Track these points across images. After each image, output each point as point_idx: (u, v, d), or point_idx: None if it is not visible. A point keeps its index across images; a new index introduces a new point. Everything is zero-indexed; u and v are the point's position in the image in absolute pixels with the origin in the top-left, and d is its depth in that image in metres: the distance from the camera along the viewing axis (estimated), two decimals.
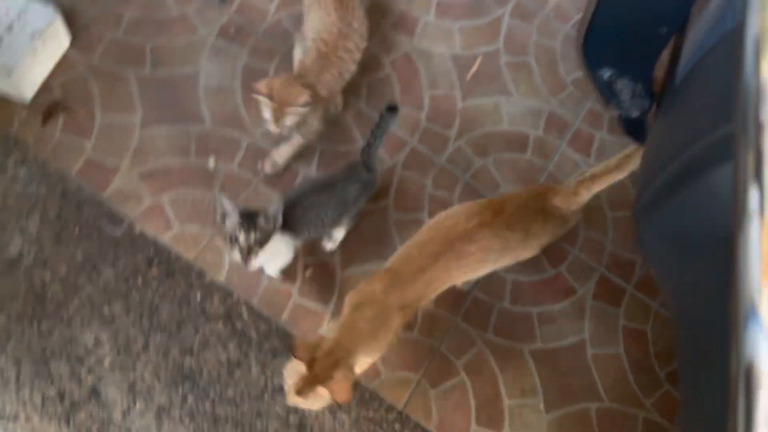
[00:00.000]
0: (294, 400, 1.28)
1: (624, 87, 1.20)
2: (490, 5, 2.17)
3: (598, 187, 1.47)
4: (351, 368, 1.31)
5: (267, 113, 1.60)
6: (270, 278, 1.74)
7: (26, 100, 1.79)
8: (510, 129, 2.03)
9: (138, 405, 1.58)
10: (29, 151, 1.76)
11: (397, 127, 1.96)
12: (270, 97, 1.56)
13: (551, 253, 1.89)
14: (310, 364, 1.26)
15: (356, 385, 1.70)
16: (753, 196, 0.60)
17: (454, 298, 1.79)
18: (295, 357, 1.27)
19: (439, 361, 1.76)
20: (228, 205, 1.41)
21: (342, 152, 1.89)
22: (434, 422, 1.71)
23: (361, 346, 1.33)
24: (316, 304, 1.76)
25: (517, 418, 1.74)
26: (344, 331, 1.34)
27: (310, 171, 1.86)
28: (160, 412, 1.58)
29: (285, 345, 1.68)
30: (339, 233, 1.78)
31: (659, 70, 1.21)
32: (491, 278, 1.85)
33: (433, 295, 1.49)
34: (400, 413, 1.70)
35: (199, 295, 1.71)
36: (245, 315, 1.70)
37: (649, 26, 1.11)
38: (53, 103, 1.80)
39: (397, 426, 1.69)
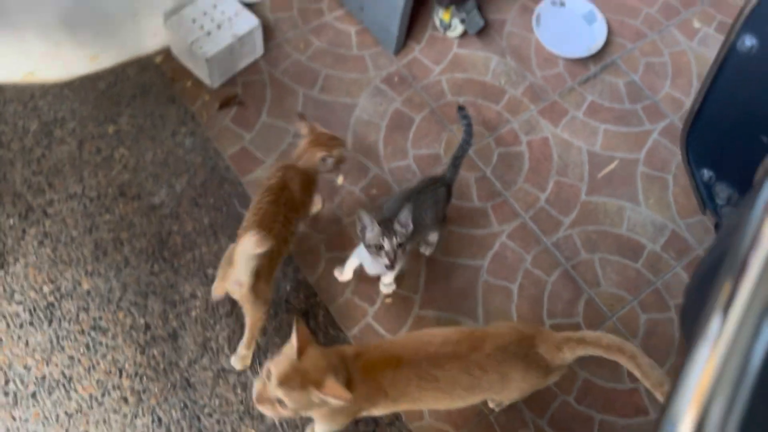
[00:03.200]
0: (274, 391, 1.17)
1: (722, 191, 1.19)
2: (642, 119, 2.22)
3: (582, 351, 1.35)
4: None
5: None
6: (353, 290, 1.86)
7: (213, 87, 2.12)
8: (627, 234, 2.02)
9: (204, 360, 1.73)
10: (200, 127, 2.07)
11: (512, 200, 2.04)
12: None
13: None
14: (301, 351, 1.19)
15: (396, 418, 1.73)
16: (715, 322, 0.66)
17: None
18: (297, 335, 1.19)
19: (485, 428, 1.74)
20: (366, 219, 1.55)
21: (465, 212, 1.99)
22: None
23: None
24: (385, 332, 1.83)
25: None
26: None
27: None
28: (220, 373, 1.72)
29: None
30: (434, 237, 1.89)
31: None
32: None
33: (387, 405, 1.38)
34: None
35: (289, 286, 1.86)
36: (320, 317, 1.82)
37: (752, 132, 1.12)
38: (233, 95, 2.12)
39: None
